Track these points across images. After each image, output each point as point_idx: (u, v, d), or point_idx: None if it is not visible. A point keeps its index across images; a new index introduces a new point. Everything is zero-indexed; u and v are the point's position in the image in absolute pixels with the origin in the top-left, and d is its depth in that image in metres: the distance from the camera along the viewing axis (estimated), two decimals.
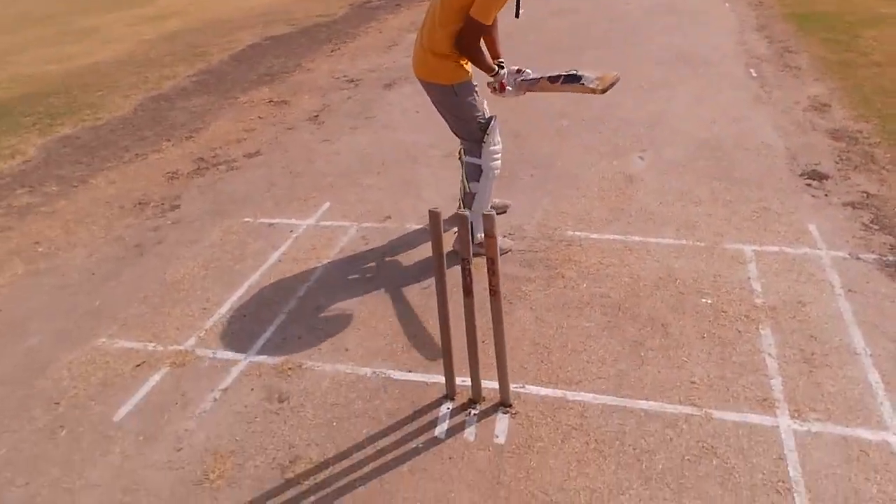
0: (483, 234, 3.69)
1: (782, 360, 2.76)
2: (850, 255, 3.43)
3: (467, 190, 3.51)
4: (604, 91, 3.40)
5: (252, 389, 2.87)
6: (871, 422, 2.44)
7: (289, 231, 4.13)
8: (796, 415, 2.48)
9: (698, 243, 3.62)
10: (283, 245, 3.98)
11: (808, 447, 2.35)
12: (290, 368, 2.96)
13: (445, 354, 2.60)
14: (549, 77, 3.50)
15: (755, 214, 3.87)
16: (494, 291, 2.38)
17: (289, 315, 3.34)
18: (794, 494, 2.18)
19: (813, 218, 3.80)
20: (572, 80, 3.45)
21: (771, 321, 2.99)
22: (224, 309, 3.43)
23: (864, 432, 2.40)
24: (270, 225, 4.23)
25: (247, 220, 4.33)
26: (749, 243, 3.59)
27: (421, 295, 3.39)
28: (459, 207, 3.64)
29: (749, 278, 3.30)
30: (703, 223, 3.82)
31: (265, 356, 3.06)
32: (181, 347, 3.17)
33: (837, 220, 3.76)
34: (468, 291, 2.42)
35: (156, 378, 2.98)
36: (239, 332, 3.25)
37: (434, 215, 2.33)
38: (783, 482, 2.23)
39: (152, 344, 3.21)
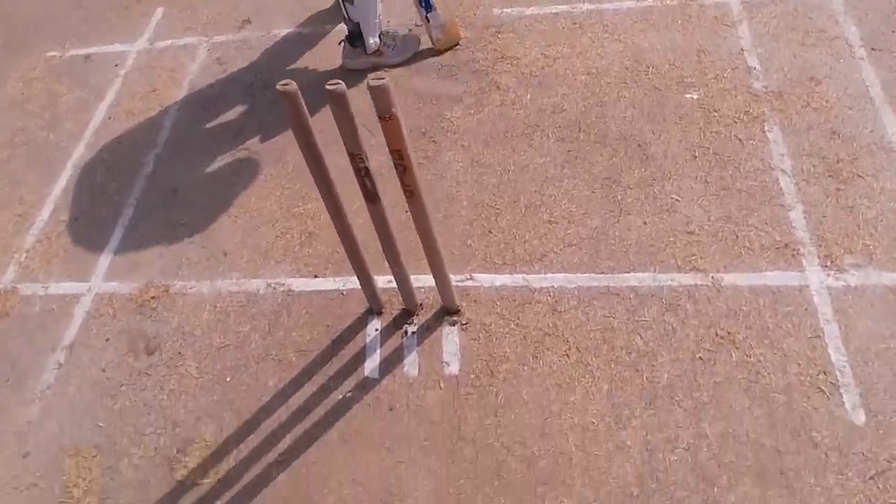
0: (376, 40, 2.67)
1: (800, 176, 2.08)
2: None
3: None
4: (439, 50, 2.67)
5: (107, 340, 2.09)
6: None
7: (113, 65, 2.96)
8: (828, 262, 1.89)
9: (668, 1, 2.68)
10: (109, 90, 2.85)
11: (849, 314, 1.79)
12: (153, 297, 2.16)
13: (357, 268, 1.84)
14: None
15: None
16: (410, 192, 1.54)
17: (137, 206, 2.43)
18: (842, 391, 1.67)
19: None
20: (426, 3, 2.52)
21: (778, 115, 2.24)
22: (46, 211, 2.48)
23: None
24: (87, 58, 3.03)
25: (51, 54, 3.09)
26: None
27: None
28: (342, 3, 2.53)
29: (742, 50, 2.46)
30: None
31: (116, 281, 2.23)
32: None
33: None
34: (371, 197, 1.57)
35: None
36: (74, 246, 2.36)
37: (290, 96, 1.37)
38: (825, 373, 1.70)
39: None
